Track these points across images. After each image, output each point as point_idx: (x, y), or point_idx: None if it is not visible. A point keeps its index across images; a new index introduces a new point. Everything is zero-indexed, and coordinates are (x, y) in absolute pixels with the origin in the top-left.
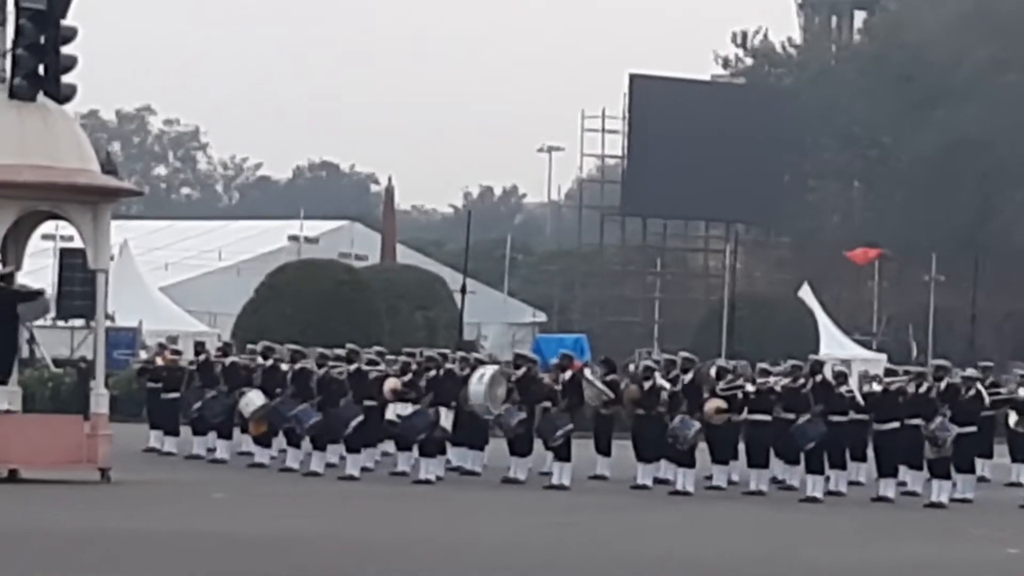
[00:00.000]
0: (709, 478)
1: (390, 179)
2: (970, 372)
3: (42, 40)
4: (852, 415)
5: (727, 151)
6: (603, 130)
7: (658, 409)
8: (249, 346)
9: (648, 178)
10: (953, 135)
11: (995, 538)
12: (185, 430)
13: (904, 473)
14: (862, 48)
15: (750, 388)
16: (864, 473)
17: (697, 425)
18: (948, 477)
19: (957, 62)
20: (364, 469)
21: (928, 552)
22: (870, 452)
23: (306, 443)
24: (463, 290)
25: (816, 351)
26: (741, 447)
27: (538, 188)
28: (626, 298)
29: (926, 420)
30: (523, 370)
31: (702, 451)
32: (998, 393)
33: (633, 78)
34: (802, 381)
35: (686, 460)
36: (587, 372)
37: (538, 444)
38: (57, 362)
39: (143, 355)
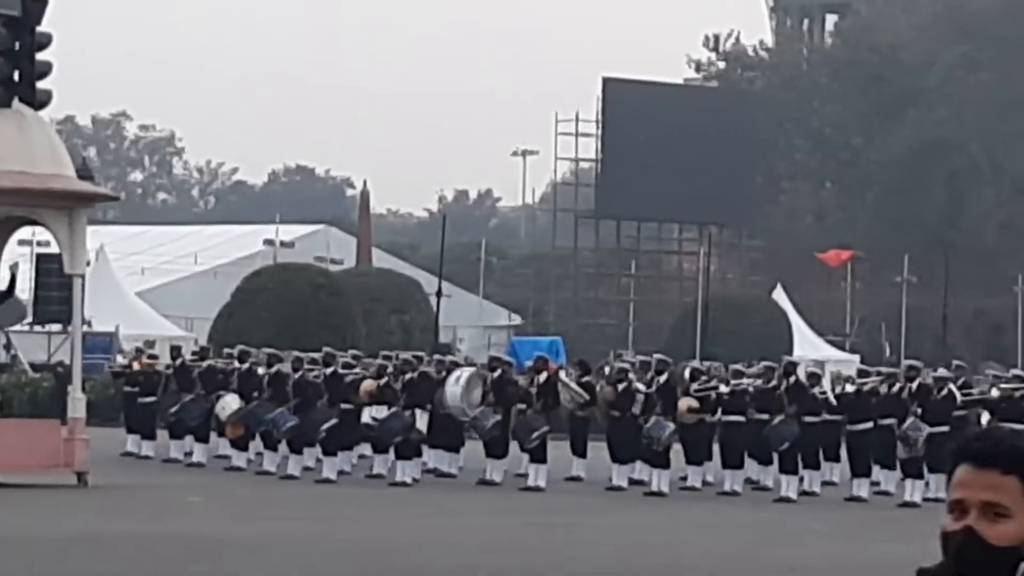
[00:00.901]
0: (684, 479)
1: (365, 183)
2: (942, 372)
3: (17, 46)
4: (825, 416)
5: (700, 154)
6: (576, 133)
7: (632, 411)
8: (226, 350)
9: (622, 181)
10: (924, 136)
11: None
12: (162, 434)
13: (877, 473)
14: (833, 51)
15: (724, 389)
16: (837, 473)
17: (671, 426)
18: (921, 477)
19: (927, 64)
20: (341, 472)
21: (901, 551)
22: (843, 452)
23: (283, 446)
24: (439, 293)
25: (790, 352)
26: (715, 448)
27: (512, 192)
28: (600, 300)
29: (899, 420)
30: (498, 372)
31: (676, 452)
32: (970, 393)
33: (606, 81)
34: (775, 382)
35: (661, 461)
36: (562, 374)
37: (514, 446)
38: (34, 367)
39: (120, 359)
